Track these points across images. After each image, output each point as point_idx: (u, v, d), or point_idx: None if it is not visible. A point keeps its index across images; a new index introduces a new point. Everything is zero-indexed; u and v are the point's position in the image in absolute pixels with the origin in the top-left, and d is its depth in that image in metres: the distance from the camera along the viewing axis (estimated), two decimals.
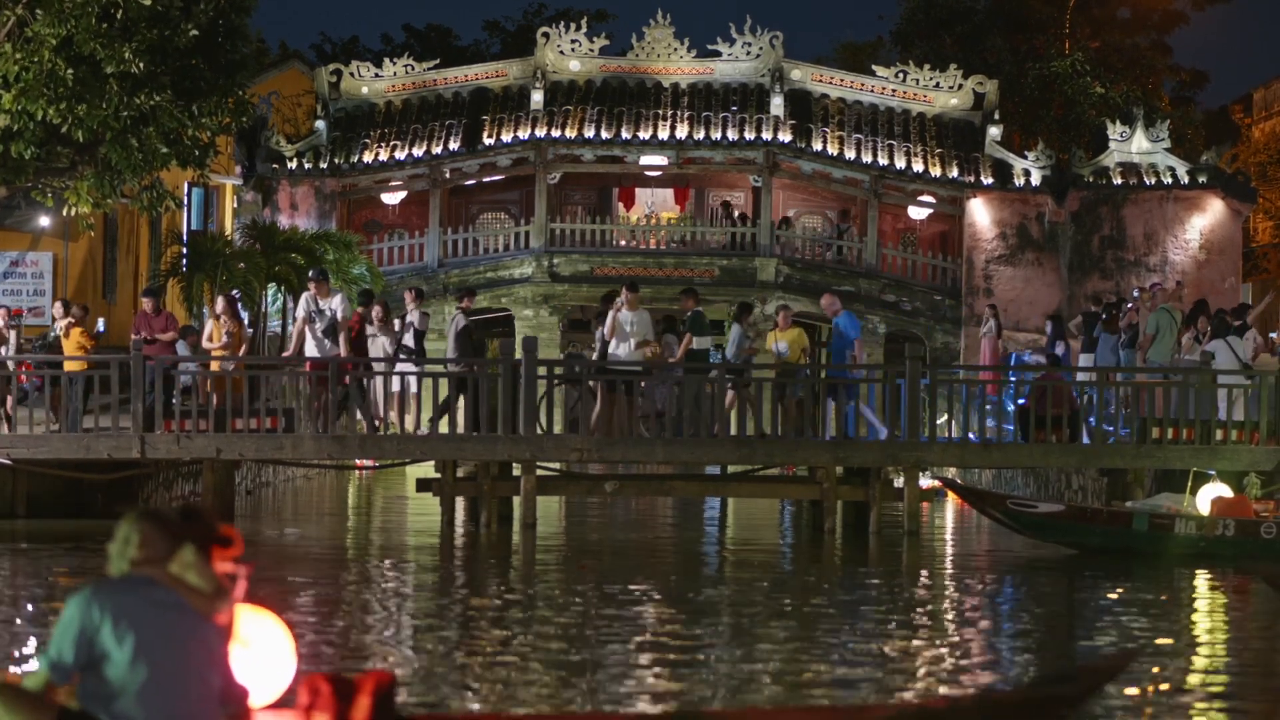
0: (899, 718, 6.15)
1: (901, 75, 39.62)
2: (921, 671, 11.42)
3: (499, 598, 15.19)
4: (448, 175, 38.73)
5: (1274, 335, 39.77)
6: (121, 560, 5.48)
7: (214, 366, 21.79)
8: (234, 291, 24.02)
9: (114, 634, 5.32)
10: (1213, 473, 19.69)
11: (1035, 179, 37.51)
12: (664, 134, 37.88)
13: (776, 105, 38.25)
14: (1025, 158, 38.14)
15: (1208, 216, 37.20)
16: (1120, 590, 16.11)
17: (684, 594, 15.65)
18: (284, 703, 5.71)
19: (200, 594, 5.44)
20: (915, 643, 12.67)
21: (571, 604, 14.55)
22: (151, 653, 5.33)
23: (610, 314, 22.10)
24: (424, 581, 16.67)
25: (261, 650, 5.69)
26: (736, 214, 40.44)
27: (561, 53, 39.53)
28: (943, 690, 10.67)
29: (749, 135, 37.85)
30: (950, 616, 14.43)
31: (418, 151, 38.01)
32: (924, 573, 17.97)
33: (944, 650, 12.45)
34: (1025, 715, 5.94)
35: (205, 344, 22.69)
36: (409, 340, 23.51)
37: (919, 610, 14.73)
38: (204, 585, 5.45)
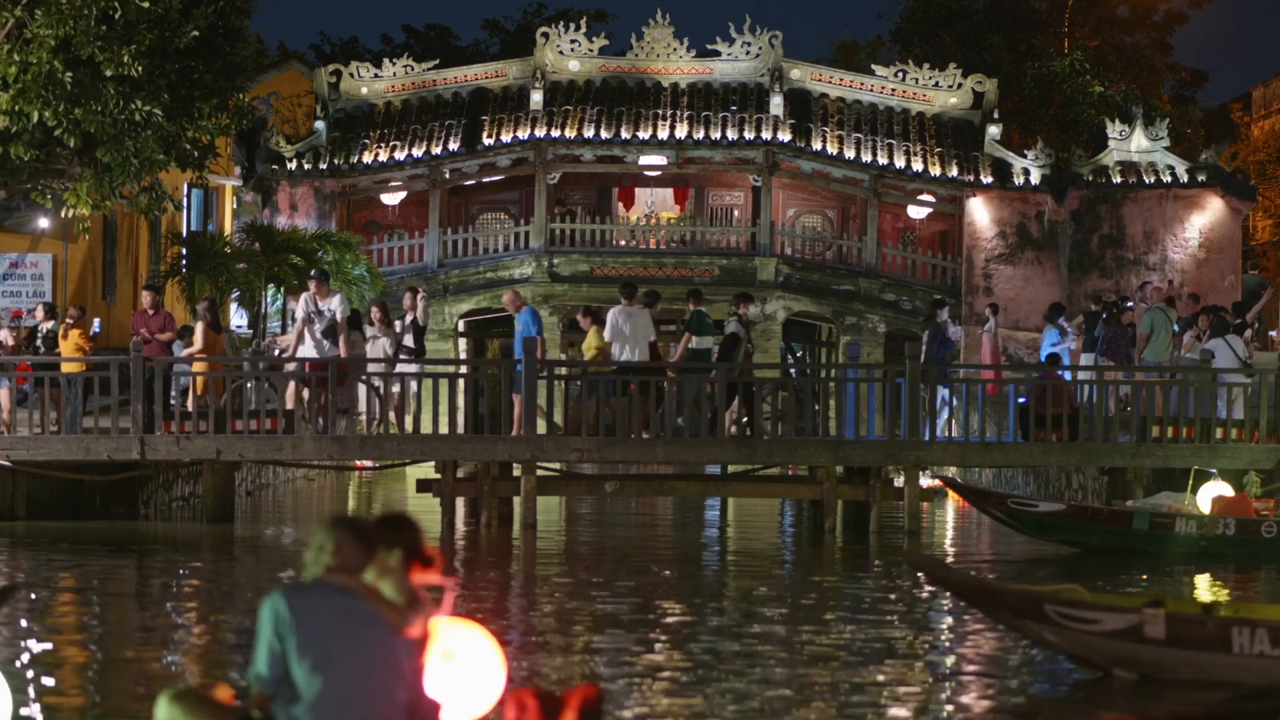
0: None
1: (901, 74, 39.60)
2: (923, 671, 11.42)
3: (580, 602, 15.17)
4: (447, 175, 38.72)
5: (1273, 334, 39.78)
6: (316, 566, 5.43)
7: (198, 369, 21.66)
8: (207, 300, 23.64)
9: (297, 638, 5.27)
10: (1213, 471, 19.69)
11: (1035, 178, 37.50)
12: (664, 134, 37.87)
13: (776, 105, 38.24)
14: (1025, 157, 38.12)
15: (1207, 215, 37.18)
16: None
17: (684, 595, 15.65)
18: (490, 718, 5.59)
19: (393, 605, 5.35)
20: (915, 643, 12.66)
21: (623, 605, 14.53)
22: (333, 660, 5.25)
23: (610, 316, 22.09)
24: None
25: (467, 664, 5.54)
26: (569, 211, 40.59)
27: (561, 53, 39.52)
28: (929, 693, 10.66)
29: (749, 135, 37.84)
30: (951, 616, 14.41)
31: (417, 152, 38.00)
32: (924, 572, 17.94)
33: (945, 650, 12.44)
34: None
35: (187, 349, 22.42)
36: (410, 341, 23.48)
37: (919, 609, 14.72)
38: (398, 596, 5.37)
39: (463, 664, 5.51)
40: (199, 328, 21.99)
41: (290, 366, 21.69)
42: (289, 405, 21.17)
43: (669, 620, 13.73)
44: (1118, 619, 10.70)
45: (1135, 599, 11.54)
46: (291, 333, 23.16)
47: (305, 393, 21.12)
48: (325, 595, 5.32)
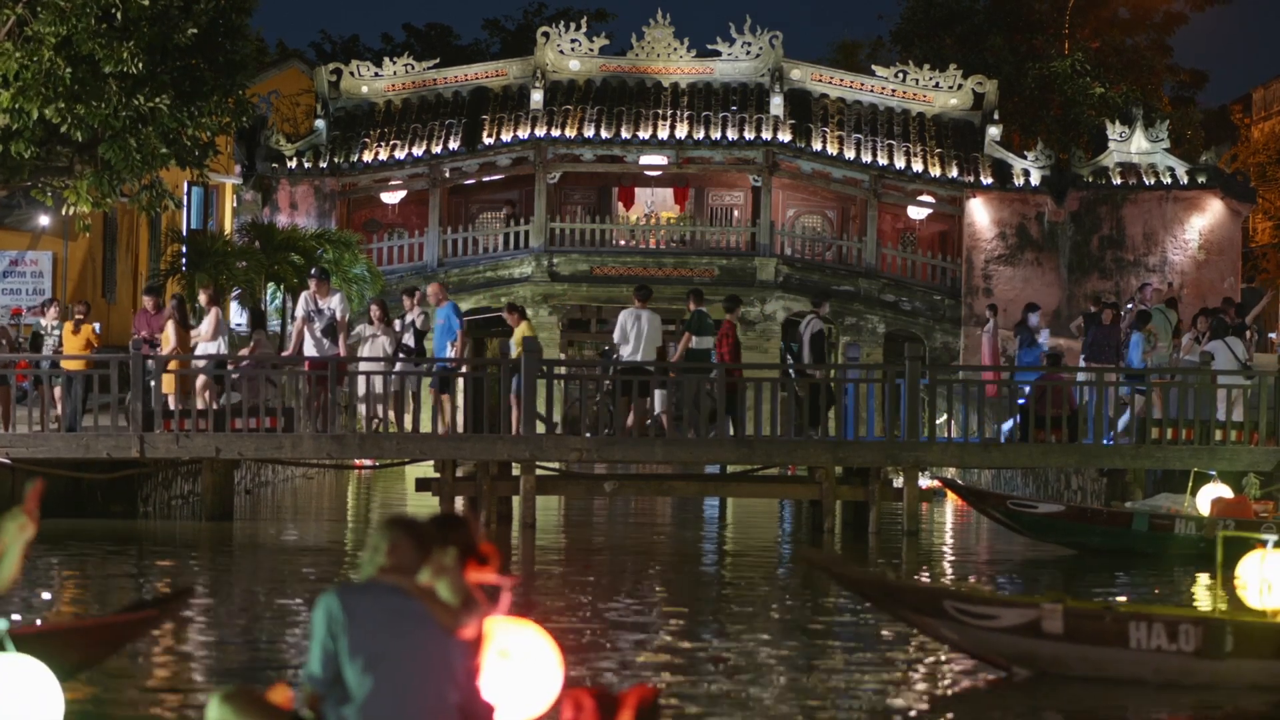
0: None
1: (901, 75, 39.61)
2: (918, 672, 11.43)
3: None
4: (447, 175, 38.72)
5: (1272, 336, 39.80)
6: (370, 566, 5.42)
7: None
8: (174, 297, 23.60)
9: (349, 638, 5.27)
10: (1213, 473, 19.70)
11: (1035, 179, 37.50)
12: (664, 134, 37.87)
13: (776, 105, 38.24)
14: (1025, 158, 38.12)
15: (1207, 217, 37.18)
16: (1121, 593, 16.11)
17: (682, 595, 15.65)
18: (547, 718, 5.56)
19: (447, 607, 5.33)
20: (912, 644, 12.67)
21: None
22: (383, 661, 5.24)
23: (620, 317, 22.11)
24: None
25: (523, 664, 5.50)
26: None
27: (561, 52, 39.52)
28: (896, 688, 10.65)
29: (749, 135, 37.84)
30: None
31: (417, 151, 38.00)
32: (923, 573, 17.96)
33: (942, 651, 12.45)
34: None
35: (162, 349, 22.38)
36: (409, 340, 23.48)
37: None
38: (454, 597, 5.34)
39: (519, 663, 5.48)
40: (169, 326, 21.89)
41: (200, 363, 21.61)
42: (199, 404, 21.05)
43: (665, 622, 13.73)
44: (1015, 614, 10.68)
45: (1038, 596, 11.52)
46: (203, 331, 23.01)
47: (207, 391, 21.15)
48: (378, 595, 5.33)
